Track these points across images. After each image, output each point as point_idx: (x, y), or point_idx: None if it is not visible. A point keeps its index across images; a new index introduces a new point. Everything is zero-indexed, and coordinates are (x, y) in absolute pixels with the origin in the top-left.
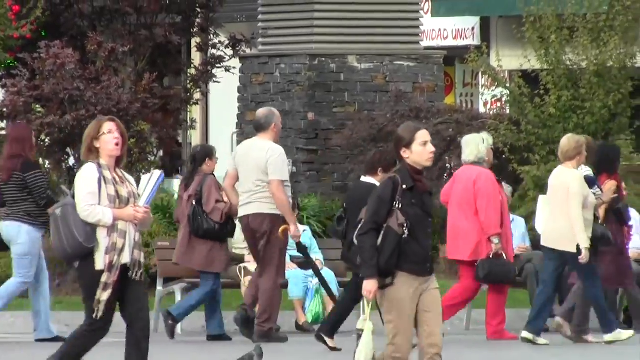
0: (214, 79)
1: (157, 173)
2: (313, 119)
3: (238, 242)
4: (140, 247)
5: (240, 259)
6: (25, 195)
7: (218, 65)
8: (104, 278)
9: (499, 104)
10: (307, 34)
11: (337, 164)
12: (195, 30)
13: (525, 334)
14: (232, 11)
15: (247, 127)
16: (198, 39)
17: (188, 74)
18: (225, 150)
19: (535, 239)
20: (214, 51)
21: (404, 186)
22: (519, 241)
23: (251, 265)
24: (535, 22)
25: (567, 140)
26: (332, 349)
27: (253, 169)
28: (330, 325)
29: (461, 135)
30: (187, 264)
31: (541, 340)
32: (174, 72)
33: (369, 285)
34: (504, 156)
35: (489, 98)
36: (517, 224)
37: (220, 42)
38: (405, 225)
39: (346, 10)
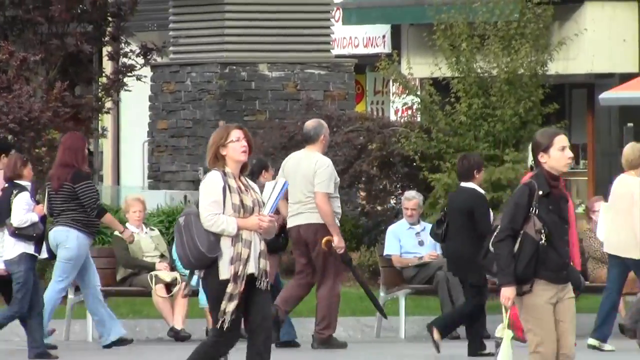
0: (125, 87)
1: (281, 181)
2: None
3: (149, 251)
4: (265, 256)
5: (151, 268)
6: (74, 205)
7: (129, 74)
8: (229, 289)
9: (409, 112)
10: (218, 42)
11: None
12: (106, 39)
13: (591, 340)
14: (143, 20)
15: (158, 136)
16: (109, 48)
17: (99, 83)
18: (136, 158)
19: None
20: (125, 60)
21: (541, 192)
22: (430, 249)
23: (162, 273)
24: (446, 30)
25: (631, 149)
26: (436, 344)
27: (302, 180)
28: (444, 323)
29: (372, 143)
30: None
31: (607, 346)
32: (85, 80)
33: (507, 293)
34: (414, 164)
35: (400, 106)
36: (428, 232)
37: (131, 50)
38: (542, 231)
39: (257, 19)
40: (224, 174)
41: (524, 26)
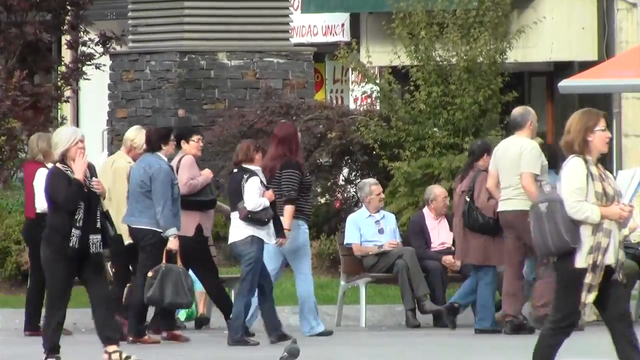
0: (84, 76)
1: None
2: (183, 115)
3: None
4: (622, 247)
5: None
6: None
7: (88, 63)
8: (588, 279)
9: (369, 100)
10: (177, 30)
11: (208, 160)
12: (65, 27)
13: None
14: (102, 8)
15: (118, 124)
16: (68, 37)
17: (58, 72)
18: (96, 147)
19: (404, 234)
20: (84, 49)
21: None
22: (390, 237)
23: None
24: (404, 18)
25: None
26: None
27: (511, 166)
28: None
29: (331, 131)
30: (466, 260)
31: None
32: (44, 69)
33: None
34: (374, 152)
35: (359, 94)
36: (388, 220)
37: (90, 39)
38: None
39: (216, 7)
40: (585, 161)
41: (482, 14)
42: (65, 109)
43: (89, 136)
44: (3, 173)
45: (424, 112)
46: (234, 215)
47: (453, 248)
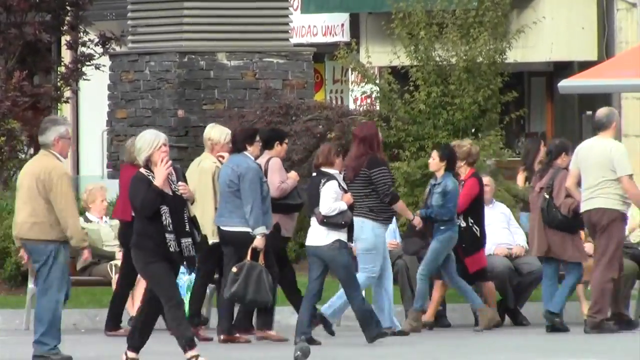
0: (84, 76)
1: None
2: (183, 116)
3: (109, 240)
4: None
5: (110, 257)
6: (370, 192)
7: (88, 63)
8: None
9: (368, 101)
10: (177, 31)
11: None
12: (65, 28)
13: None
14: (101, 9)
15: (117, 125)
16: (68, 37)
17: (58, 72)
18: (95, 147)
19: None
20: (83, 49)
21: None
22: (390, 237)
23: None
24: (404, 18)
25: None
26: None
27: (595, 166)
28: None
29: (331, 131)
30: (542, 254)
31: None
32: (44, 70)
33: None
34: None
35: (358, 94)
36: None
37: (90, 40)
38: None
39: (215, 8)
40: None
41: (482, 14)
42: (65, 110)
43: (89, 137)
44: (3, 174)
45: (423, 112)
46: (314, 219)
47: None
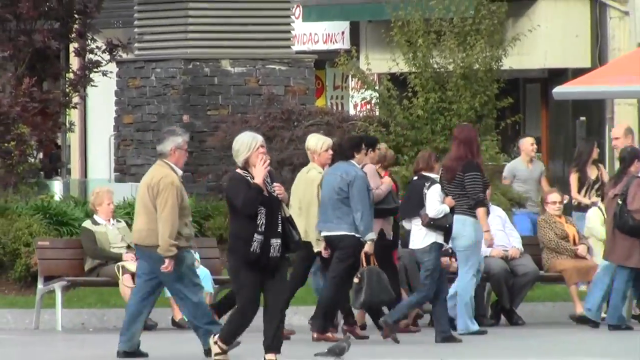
0: (92, 83)
1: None
2: (188, 121)
3: (116, 242)
4: None
5: (118, 258)
6: (465, 193)
7: (95, 70)
8: None
9: (368, 106)
10: (182, 39)
11: (212, 165)
12: (73, 35)
13: None
14: (108, 17)
15: (124, 130)
16: (76, 44)
17: (66, 78)
18: (103, 152)
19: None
20: (91, 56)
21: None
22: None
23: (129, 264)
24: (403, 26)
25: None
26: None
27: None
28: None
29: (332, 136)
30: (610, 258)
31: None
32: (52, 76)
33: None
34: None
35: (358, 100)
36: None
37: (97, 47)
38: None
39: (219, 16)
40: None
41: (478, 22)
42: (73, 115)
43: (96, 141)
44: (13, 177)
45: (421, 118)
46: (416, 222)
47: (450, 250)
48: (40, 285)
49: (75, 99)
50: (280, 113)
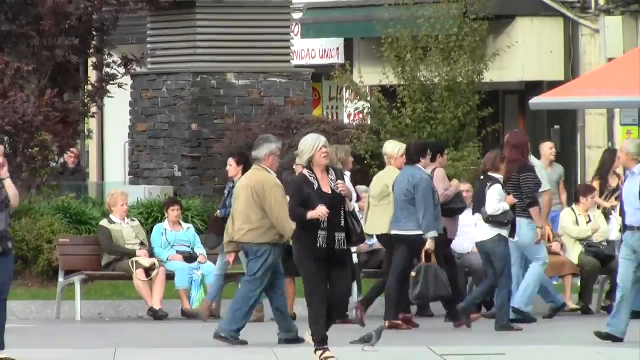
0: (108, 94)
1: None
2: (196, 129)
3: (130, 240)
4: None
5: (132, 254)
6: (520, 194)
7: (112, 82)
8: None
9: (361, 116)
10: (191, 54)
11: (218, 169)
12: (91, 51)
13: None
14: (124, 34)
15: (138, 137)
16: (94, 59)
17: (85, 90)
18: (118, 157)
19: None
20: (108, 70)
21: None
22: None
23: (142, 259)
24: (392, 43)
25: None
26: None
27: None
28: None
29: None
30: None
31: None
32: (72, 88)
33: None
34: (365, 162)
35: (352, 110)
36: None
37: (113, 61)
38: None
39: (225, 33)
40: None
41: (462, 39)
42: (92, 124)
43: (112, 148)
44: (36, 180)
45: (409, 127)
46: (479, 217)
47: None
48: (61, 279)
49: (93, 109)
50: (281, 122)
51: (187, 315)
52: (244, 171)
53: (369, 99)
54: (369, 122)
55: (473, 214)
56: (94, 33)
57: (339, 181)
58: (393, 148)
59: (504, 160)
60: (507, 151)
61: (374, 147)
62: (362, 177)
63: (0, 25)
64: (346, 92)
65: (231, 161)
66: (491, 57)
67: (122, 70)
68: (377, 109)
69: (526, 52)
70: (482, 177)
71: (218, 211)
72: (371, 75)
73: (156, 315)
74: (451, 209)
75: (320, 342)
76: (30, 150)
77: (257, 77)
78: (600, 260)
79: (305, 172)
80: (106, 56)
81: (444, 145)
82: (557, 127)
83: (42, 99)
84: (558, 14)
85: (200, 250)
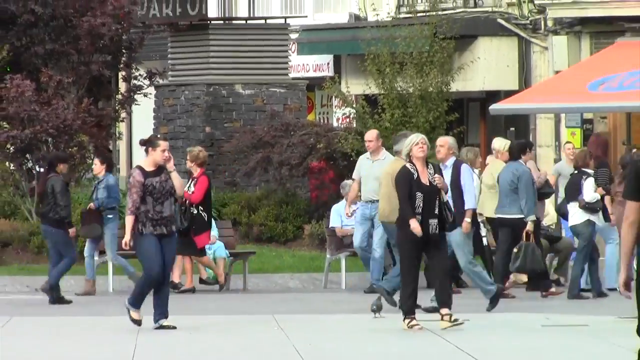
0: (135, 102)
1: None
2: (209, 131)
3: None
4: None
5: None
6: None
7: (138, 92)
8: None
9: (347, 120)
10: (205, 68)
11: (227, 165)
12: (121, 66)
13: None
14: (148, 51)
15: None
16: (123, 73)
17: (116, 99)
18: (144, 155)
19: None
20: (135, 82)
21: None
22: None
23: None
24: (374, 58)
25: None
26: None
27: None
28: None
29: (320, 143)
30: None
31: None
32: (105, 97)
33: None
34: (351, 159)
35: (340, 115)
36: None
37: (140, 74)
38: None
39: (234, 51)
40: None
41: (432, 55)
42: (122, 127)
43: (139, 147)
44: (75, 174)
45: (388, 129)
46: (574, 205)
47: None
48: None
49: (123, 115)
50: (280, 125)
51: (205, 282)
52: (107, 170)
53: (354, 105)
54: (355, 125)
55: (568, 203)
56: (124, 51)
57: (436, 175)
58: (500, 144)
59: (592, 157)
60: (592, 149)
61: (358, 146)
62: (349, 171)
63: (45, 45)
64: (335, 100)
65: (96, 161)
66: (457, 71)
67: (147, 82)
68: (361, 114)
69: (486, 66)
70: (576, 172)
71: (92, 204)
72: (356, 86)
73: (175, 287)
74: (541, 193)
75: (407, 312)
76: (70, 150)
77: (260, 88)
78: (549, 241)
79: (408, 165)
80: (134, 70)
81: (529, 144)
82: (512, 129)
83: (80, 106)
84: (513, 34)
85: (214, 232)
